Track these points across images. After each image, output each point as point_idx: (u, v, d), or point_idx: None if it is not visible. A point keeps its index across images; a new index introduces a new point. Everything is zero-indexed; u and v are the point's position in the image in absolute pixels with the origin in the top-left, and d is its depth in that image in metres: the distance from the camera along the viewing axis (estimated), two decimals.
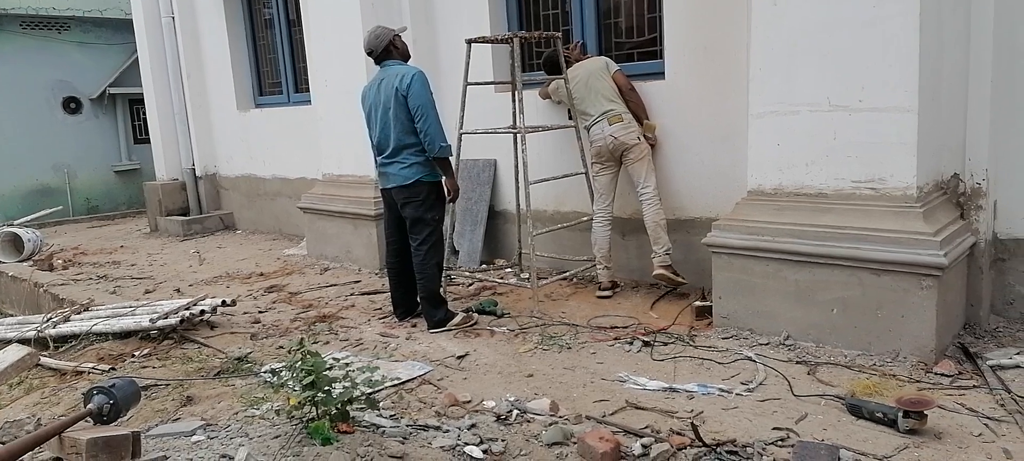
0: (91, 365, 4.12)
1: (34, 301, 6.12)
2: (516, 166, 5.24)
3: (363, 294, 5.45)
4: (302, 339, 2.79)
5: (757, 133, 3.89)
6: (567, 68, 4.93)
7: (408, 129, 4.34)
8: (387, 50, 4.47)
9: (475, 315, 4.60)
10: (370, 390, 2.88)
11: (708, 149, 4.71)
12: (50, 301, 5.77)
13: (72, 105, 11.27)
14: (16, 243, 7.56)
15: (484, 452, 2.82)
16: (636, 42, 5.19)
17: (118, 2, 10.82)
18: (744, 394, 3.28)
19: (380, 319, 4.79)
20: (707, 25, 4.58)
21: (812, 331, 3.73)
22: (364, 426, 2.86)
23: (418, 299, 4.60)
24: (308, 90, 7.48)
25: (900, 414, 2.82)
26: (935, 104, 3.51)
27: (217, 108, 8.91)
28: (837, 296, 3.62)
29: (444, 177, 4.52)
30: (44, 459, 2.66)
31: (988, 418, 2.91)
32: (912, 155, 3.41)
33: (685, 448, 2.77)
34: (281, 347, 4.27)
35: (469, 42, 4.93)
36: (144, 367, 4.09)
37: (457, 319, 4.48)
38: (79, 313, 4.95)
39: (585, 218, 5.12)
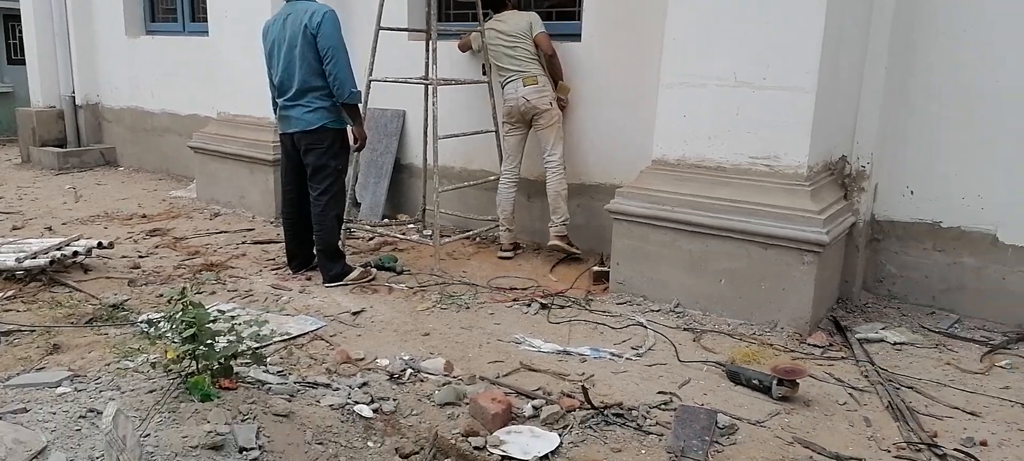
0: None
1: None
2: (426, 119, 5.12)
3: (256, 243, 5.23)
4: (185, 288, 2.62)
5: (666, 103, 3.95)
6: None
7: (315, 71, 4.13)
8: None
9: (374, 271, 4.50)
10: (257, 345, 2.76)
11: (618, 116, 4.74)
12: None
13: None
14: None
15: (374, 411, 2.78)
16: (555, 1, 5.13)
17: None
18: (633, 359, 3.37)
19: (273, 270, 4.61)
20: None
21: (701, 300, 3.87)
22: (248, 383, 2.74)
23: (314, 251, 4.45)
24: (206, 20, 6.98)
25: (774, 382, 2.98)
26: (832, 87, 3.65)
27: (103, 32, 8.20)
28: (726, 267, 3.76)
29: (352, 124, 4.35)
30: None
31: (853, 388, 3.11)
32: (807, 135, 3.55)
33: (574, 410, 2.82)
34: (162, 296, 4.02)
35: None
36: (7, 310, 3.77)
37: (354, 274, 4.36)
38: None
39: (492, 178, 5.08)
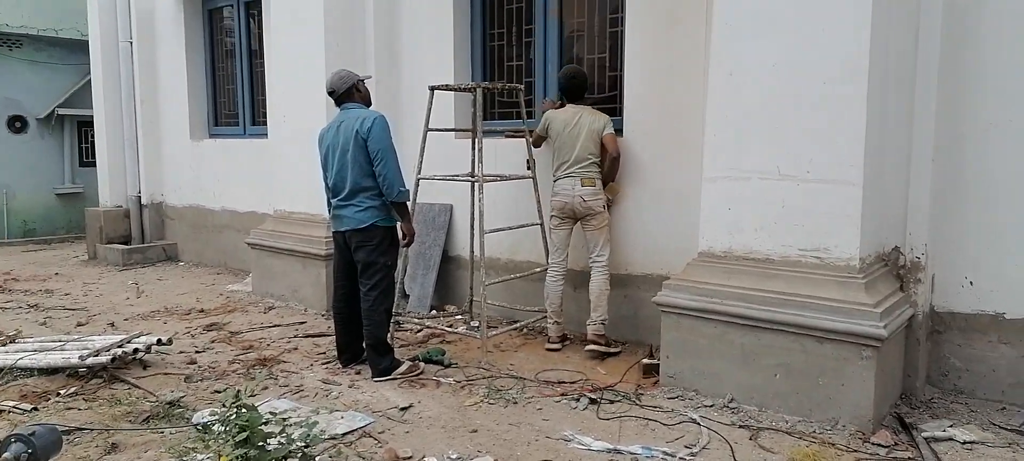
0: (13, 403, 3.90)
1: None
2: (472, 213, 5.23)
3: (307, 336, 5.32)
4: (238, 391, 2.68)
5: (709, 196, 3.96)
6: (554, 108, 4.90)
7: (366, 172, 4.30)
8: (349, 92, 4.45)
9: (421, 364, 4.52)
10: (306, 445, 2.78)
11: (662, 207, 4.77)
12: None
13: (17, 124, 10.89)
14: None
15: None
16: (597, 98, 5.27)
17: (74, 22, 10.57)
18: (687, 458, 3.27)
19: (323, 364, 4.67)
20: (666, 87, 4.69)
21: (755, 395, 3.76)
22: None
23: (364, 345, 4.51)
24: (265, 123, 7.39)
25: None
26: (879, 180, 3.62)
27: (169, 136, 8.72)
28: (781, 361, 3.66)
29: (400, 221, 4.48)
30: None
31: None
32: (856, 227, 3.50)
33: None
34: (217, 391, 4.12)
35: (432, 89, 4.94)
36: (69, 408, 3.89)
37: (403, 368, 4.39)
38: (4, 345, 4.71)
39: (538, 269, 5.12)
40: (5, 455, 2.57)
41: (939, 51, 3.76)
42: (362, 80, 4.54)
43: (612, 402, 3.96)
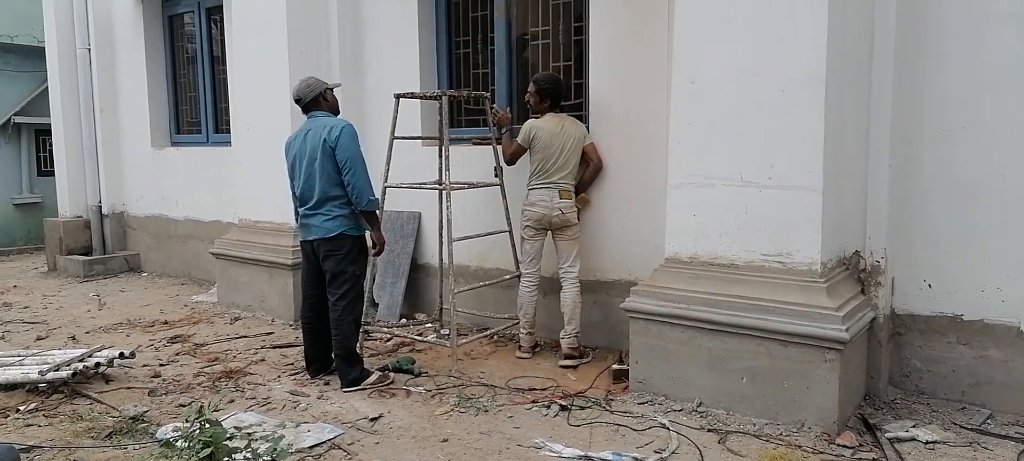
0: None
1: None
2: (441, 220, 5.21)
3: (275, 347, 5.25)
4: (201, 406, 2.64)
5: (675, 203, 4.01)
6: (533, 117, 4.84)
7: (334, 181, 4.27)
8: (316, 101, 4.41)
9: (391, 374, 4.49)
10: (271, 459, 2.74)
11: (629, 213, 4.81)
12: None
13: None
14: None
15: None
16: (562, 107, 5.28)
17: (30, 28, 10.30)
18: None
19: (291, 376, 4.61)
20: (630, 95, 4.73)
21: (723, 399, 3.81)
22: None
23: (333, 356, 4.46)
24: (229, 131, 7.28)
25: None
26: (838, 185, 3.70)
27: (130, 144, 8.54)
28: (747, 365, 3.72)
29: (370, 230, 4.45)
30: None
31: None
32: (817, 233, 3.57)
33: None
34: (182, 405, 4.04)
35: (397, 97, 4.92)
36: (29, 425, 3.79)
37: (372, 378, 4.35)
38: None
39: (508, 276, 5.12)
40: None
41: (893, 60, 3.85)
42: (330, 88, 4.50)
43: (583, 408, 3.98)
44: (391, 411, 3.97)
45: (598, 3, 4.83)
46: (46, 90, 9.26)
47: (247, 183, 6.46)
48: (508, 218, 5.08)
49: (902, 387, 4.08)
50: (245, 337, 5.55)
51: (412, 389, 4.30)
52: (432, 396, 4.21)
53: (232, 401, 4.15)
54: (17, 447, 3.35)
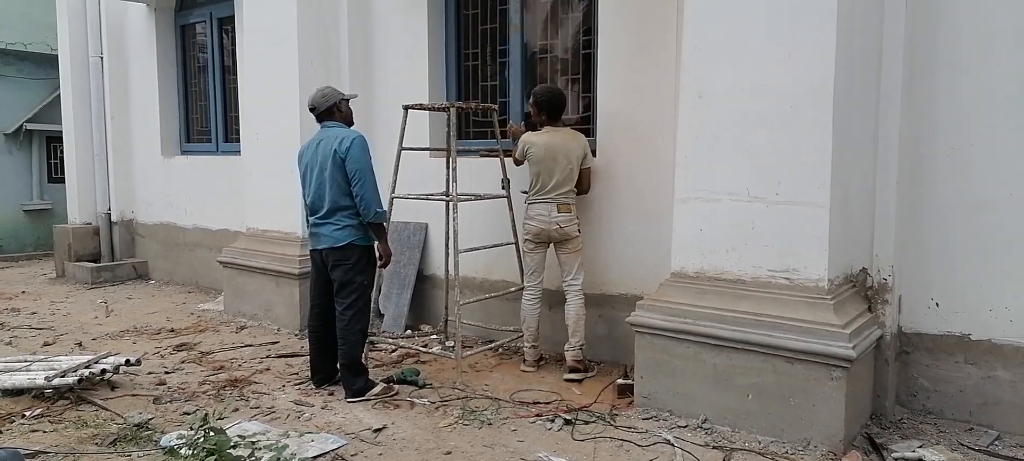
0: None
1: None
2: (447, 232, 5.22)
3: (280, 357, 5.26)
4: (206, 414, 2.64)
5: (681, 217, 4.00)
6: (534, 130, 4.83)
7: (344, 191, 4.29)
8: (330, 111, 4.45)
9: (396, 386, 4.49)
10: None
11: (635, 227, 4.81)
12: None
13: None
14: None
15: None
16: (570, 119, 5.31)
17: (44, 36, 10.42)
18: None
19: (296, 385, 4.61)
20: (638, 109, 4.74)
21: (729, 415, 3.78)
22: None
23: (338, 365, 4.46)
24: (238, 140, 7.32)
25: None
26: (846, 202, 3.69)
27: (140, 152, 8.61)
28: (753, 382, 3.70)
29: (377, 242, 4.46)
30: None
31: None
32: (824, 249, 3.56)
33: None
34: (187, 413, 4.05)
35: (406, 108, 4.94)
36: (34, 430, 3.80)
37: (376, 389, 4.35)
38: None
39: (513, 288, 5.12)
40: None
41: (902, 76, 3.83)
42: (345, 99, 4.53)
43: (587, 423, 3.96)
44: (395, 422, 3.97)
45: (606, 17, 4.86)
46: (58, 98, 9.36)
47: (255, 192, 6.49)
48: (515, 230, 5.08)
49: (909, 407, 4.05)
50: (251, 346, 5.56)
51: (416, 401, 4.30)
52: (436, 408, 4.20)
53: (236, 410, 4.15)
54: (23, 452, 3.36)
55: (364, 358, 4.58)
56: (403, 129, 4.95)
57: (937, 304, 3.92)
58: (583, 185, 4.76)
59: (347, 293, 4.36)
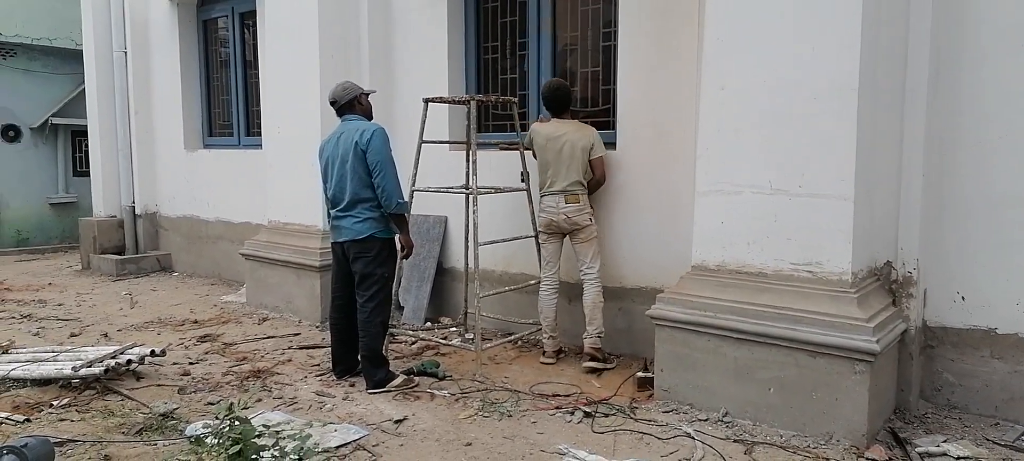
0: (5, 415, 3.88)
1: None
2: (467, 225, 5.23)
3: (302, 348, 5.31)
4: (231, 404, 2.68)
5: (702, 210, 3.98)
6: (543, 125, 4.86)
7: (365, 183, 4.32)
8: (350, 104, 4.47)
9: (416, 377, 4.52)
10: (299, 458, 2.77)
11: (655, 221, 4.79)
12: None
13: (11, 133, 10.85)
14: None
15: None
16: (590, 111, 5.30)
17: (69, 31, 10.56)
18: None
19: (317, 376, 4.66)
20: (659, 101, 4.72)
21: (750, 409, 3.77)
22: None
23: (359, 357, 4.50)
24: (260, 134, 7.38)
25: None
26: (870, 195, 3.65)
27: (163, 146, 8.72)
28: (774, 375, 3.68)
29: (399, 233, 4.49)
30: None
31: None
32: (848, 242, 3.53)
33: None
34: (211, 403, 4.11)
35: (426, 101, 4.96)
36: (62, 420, 3.87)
37: (397, 381, 4.38)
38: None
39: (532, 281, 5.12)
40: None
41: (928, 69, 3.79)
42: (365, 94, 4.56)
43: (607, 416, 3.96)
44: (415, 414, 3.99)
45: (627, 10, 4.83)
46: (83, 92, 9.48)
47: (276, 186, 6.55)
48: (534, 223, 5.09)
49: (933, 401, 4.00)
50: (273, 337, 5.62)
51: (436, 392, 4.32)
52: (456, 400, 4.22)
53: (259, 400, 4.20)
54: (52, 440, 3.43)
55: (385, 350, 4.61)
56: (423, 122, 4.96)
57: (963, 298, 3.87)
58: (596, 176, 4.75)
59: (368, 285, 4.39)
